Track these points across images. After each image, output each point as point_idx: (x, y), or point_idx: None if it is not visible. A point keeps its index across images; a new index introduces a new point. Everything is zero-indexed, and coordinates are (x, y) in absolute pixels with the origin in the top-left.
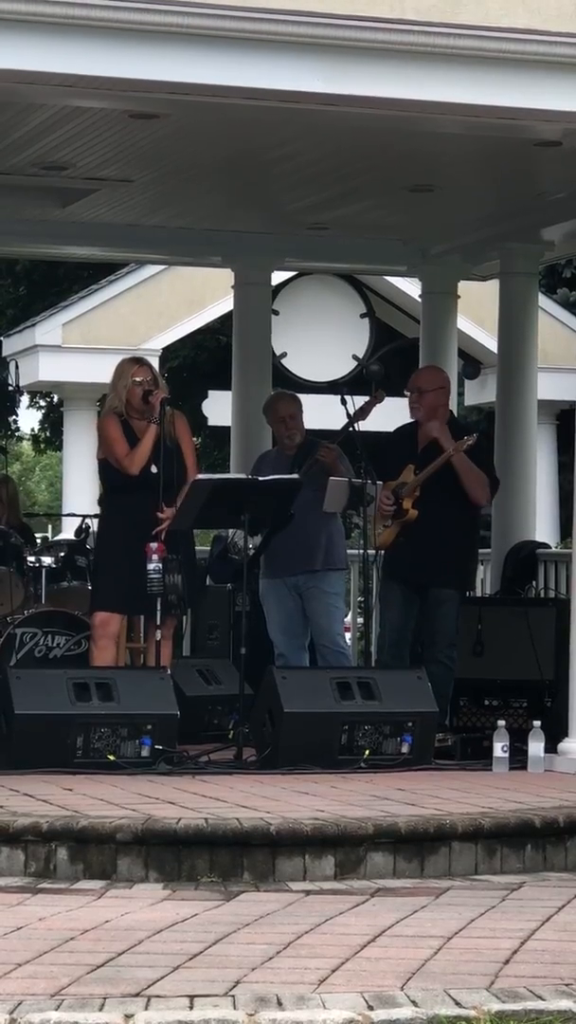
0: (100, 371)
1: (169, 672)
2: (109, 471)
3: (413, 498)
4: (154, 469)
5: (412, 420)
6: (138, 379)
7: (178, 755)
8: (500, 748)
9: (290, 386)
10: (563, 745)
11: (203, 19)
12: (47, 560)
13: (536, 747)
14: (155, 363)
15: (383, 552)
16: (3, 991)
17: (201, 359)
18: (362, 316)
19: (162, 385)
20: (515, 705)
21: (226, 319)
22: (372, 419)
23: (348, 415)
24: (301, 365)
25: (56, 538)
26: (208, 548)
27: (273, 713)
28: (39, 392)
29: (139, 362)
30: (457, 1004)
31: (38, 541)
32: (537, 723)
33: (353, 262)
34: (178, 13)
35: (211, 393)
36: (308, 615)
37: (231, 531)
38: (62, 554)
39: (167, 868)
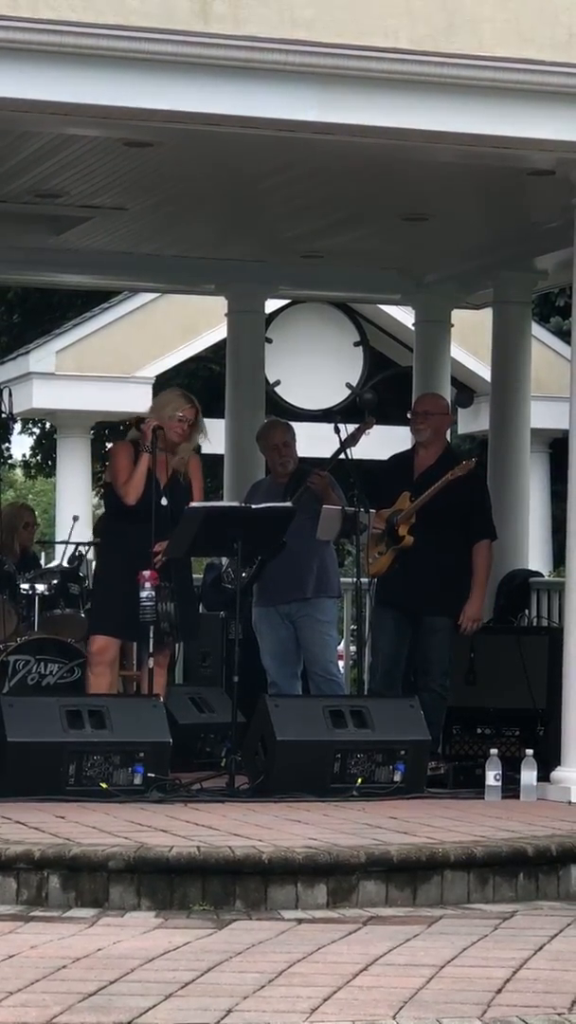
0: (94, 399)
1: (162, 700)
2: (112, 497)
3: (409, 525)
4: (164, 502)
5: (408, 448)
6: (180, 413)
7: (170, 783)
8: (493, 776)
9: (283, 414)
10: (555, 774)
11: (198, 48)
12: (40, 587)
13: (529, 776)
14: (148, 391)
15: (376, 580)
16: None
17: (195, 387)
18: (355, 344)
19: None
20: (508, 733)
21: (220, 347)
22: (366, 447)
23: (341, 443)
24: (294, 393)
25: (49, 565)
26: (201, 576)
27: (266, 741)
28: (32, 419)
29: (182, 396)
30: None
31: (42, 566)
32: (530, 752)
33: (347, 290)
34: (172, 42)
35: (204, 421)
36: (300, 643)
37: (224, 560)
38: (55, 581)
39: (159, 896)
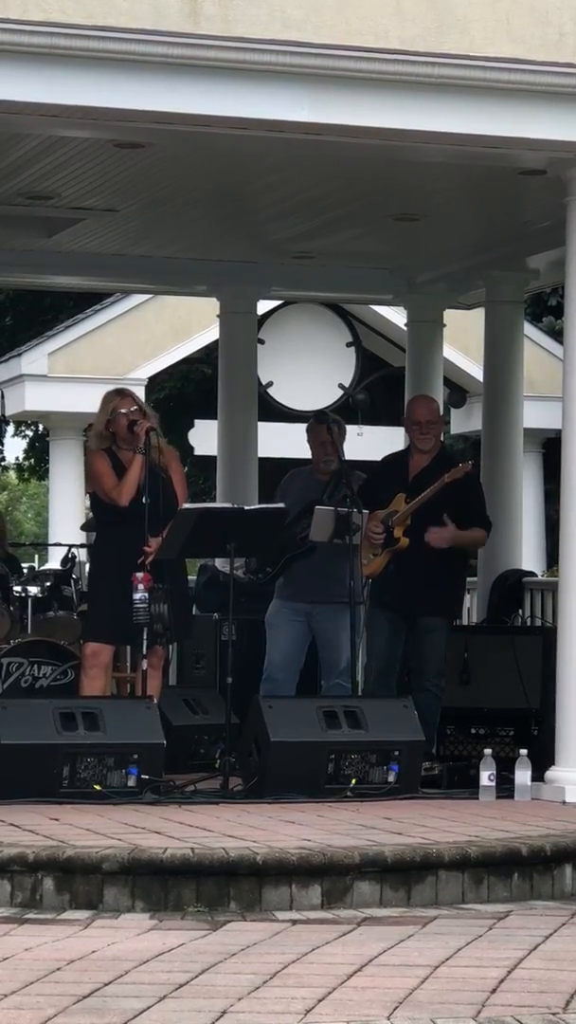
0: (86, 401)
1: (155, 701)
2: (100, 505)
3: (404, 527)
4: (145, 500)
5: (401, 449)
6: (123, 410)
7: (164, 784)
8: (487, 776)
9: (275, 415)
10: (550, 773)
11: (188, 49)
12: (33, 590)
13: (523, 775)
14: (141, 393)
15: (371, 580)
16: None
17: (188, 389)
18: (348, 345)
19: (149, 414)
20: (502, 733)
21: (212, 348)
22: (359, 449)
23: (333, 443)
24: (287, 394)
25: (43, 567)
26: (195, 577)
27: (259, 742)
28: (25, 421)
29: (122, 393)
30: None
31: (24, 571)
32: (524, 751)
33: (339, 291)
34: (162, 43)
35: (197, 422)
36: (319, 644)
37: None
38: (48, 583)
39: (153, 898)
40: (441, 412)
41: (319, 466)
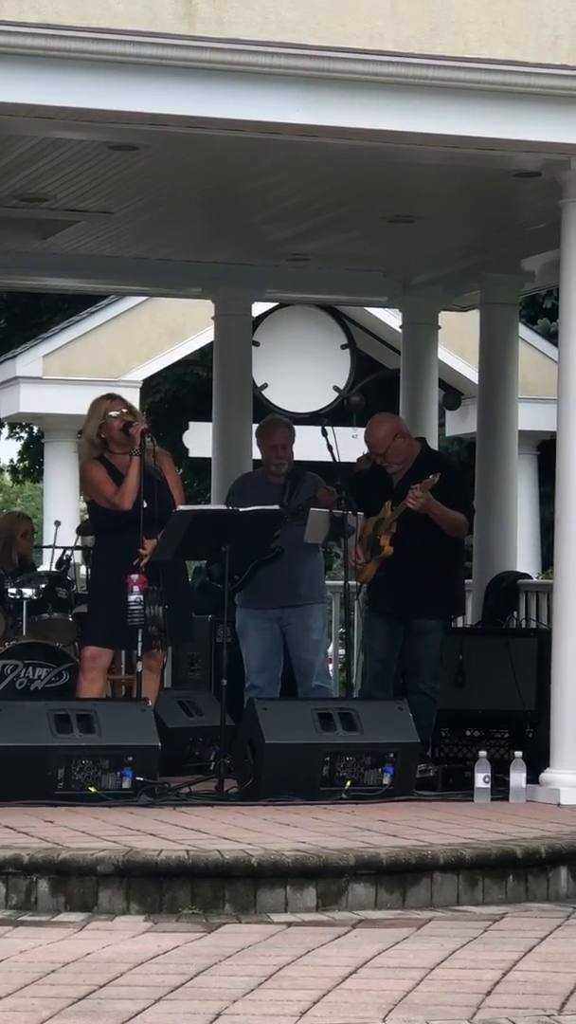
0: (81, 403)
1: (151, 704)
2: (99, 512)
3: (390, 535)
4: (145, 504)
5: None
6: (114, 413)
7: (159, 787)
8: (482, 779)
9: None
10: (544, 775)
11: (183, 51)
12: (28, 592)
13: (518, 778)
14: (136, 395)
15: (366, 586)
16: None
17: (182, 391)
18: (343, 347)
19: (139, 416)
20: (497, 736)
21: (207, 350)
22: (354, 449)
23: (329, 447)
24: (282, 396)
25: (38, 570)
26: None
27: (254, 744)
28: (19, 423)
29: (111, 397)
30: None
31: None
32: (519, 753)
33: (334, 293)
34: (157, 45)
35: (192, 424)
36: (291, 650)
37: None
38: (43, 586)
39: (148, 900)
40: (397, 427)
41: (270, 468)
